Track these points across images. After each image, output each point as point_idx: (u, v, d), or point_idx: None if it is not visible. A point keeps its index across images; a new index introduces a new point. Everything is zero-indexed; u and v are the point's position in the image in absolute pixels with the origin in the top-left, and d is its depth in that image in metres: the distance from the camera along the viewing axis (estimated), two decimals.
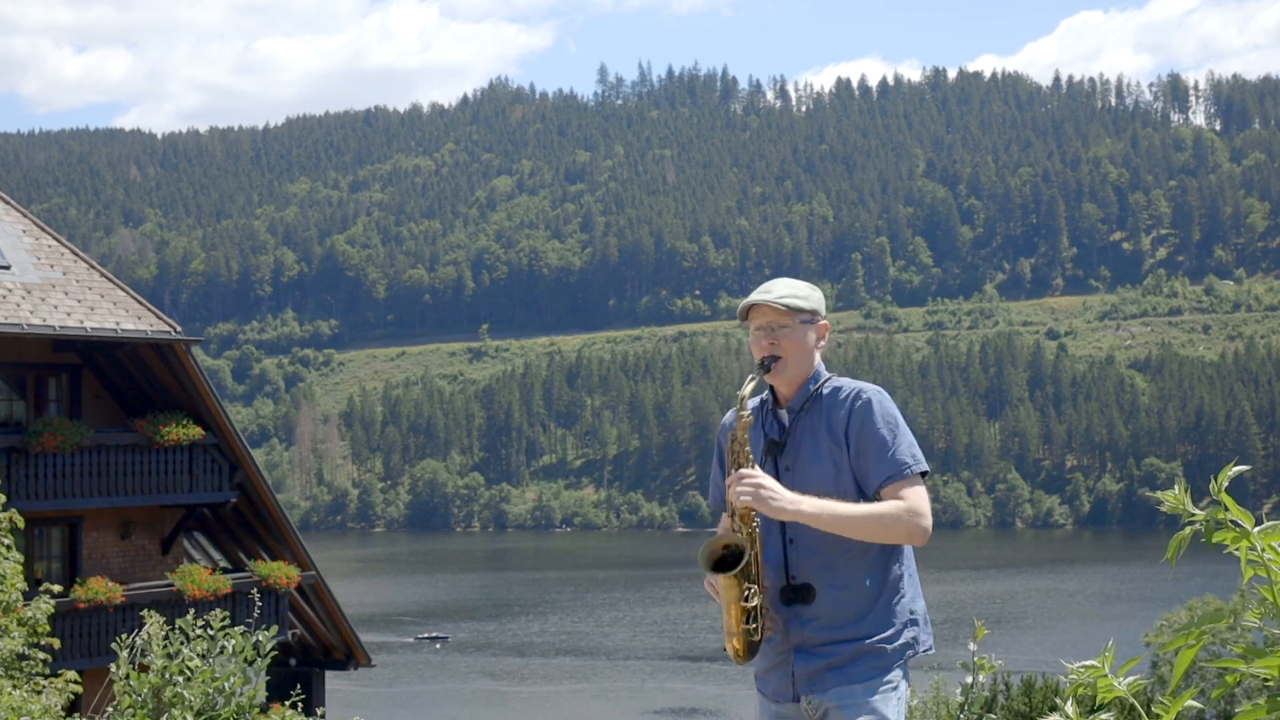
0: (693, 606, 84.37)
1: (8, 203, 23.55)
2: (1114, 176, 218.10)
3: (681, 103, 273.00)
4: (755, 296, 4.23)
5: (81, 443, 21.87)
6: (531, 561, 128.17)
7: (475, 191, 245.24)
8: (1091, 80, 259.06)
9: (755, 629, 4.11)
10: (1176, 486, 2.59)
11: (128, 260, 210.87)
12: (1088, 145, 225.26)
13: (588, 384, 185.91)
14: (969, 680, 5.88)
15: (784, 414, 4.27)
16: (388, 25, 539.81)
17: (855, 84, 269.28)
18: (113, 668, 6.74)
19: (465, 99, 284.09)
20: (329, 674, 27.66)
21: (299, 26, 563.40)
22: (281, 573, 24.23)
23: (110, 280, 22.99)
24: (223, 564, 25.64)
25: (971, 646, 5.64)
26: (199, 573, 23.23)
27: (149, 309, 22.82)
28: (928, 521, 4.09)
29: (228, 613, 7.04)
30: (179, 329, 23.05)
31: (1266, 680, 2.45)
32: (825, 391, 4.24)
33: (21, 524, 11.43)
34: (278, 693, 13.96)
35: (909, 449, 4.12)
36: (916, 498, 4.08)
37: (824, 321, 4.29)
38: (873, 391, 4.19)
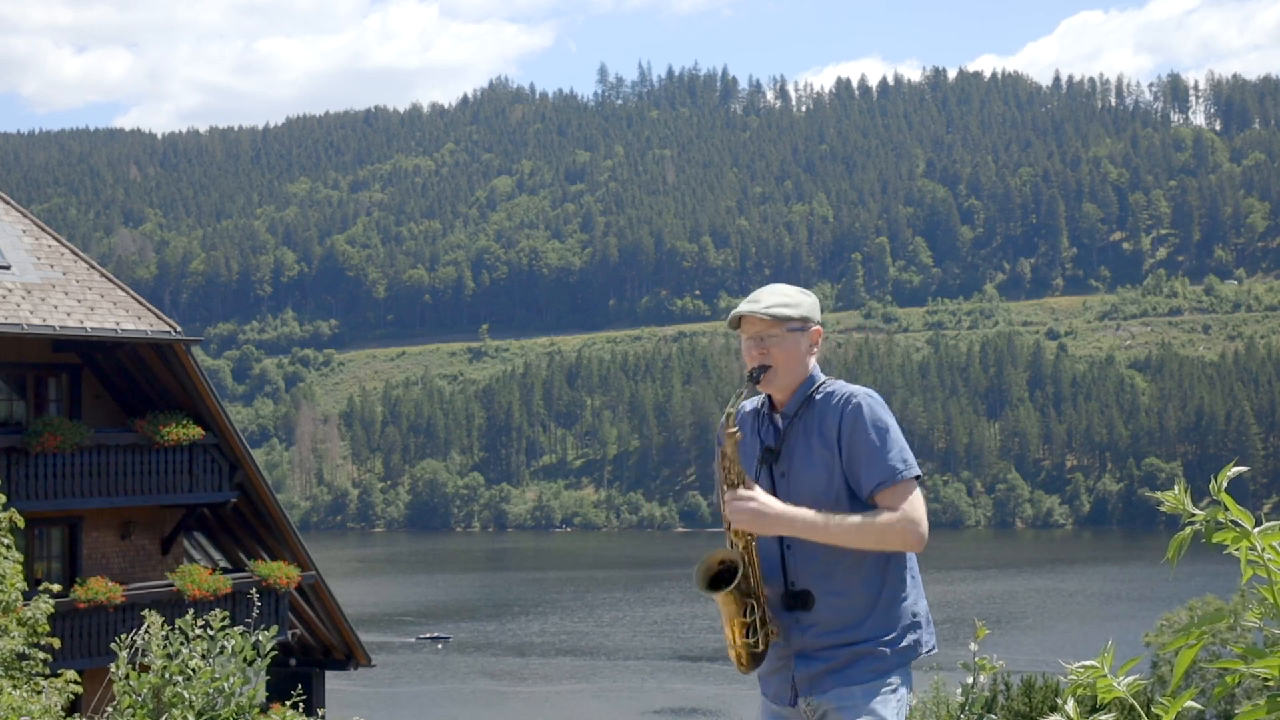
0: (693, 606, 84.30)
1: (8, 203, 23.54)
2: (1114, 176, 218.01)
3: (681, 103, 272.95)
4: (743, 307, 4.20)
5: (81, 443, 21.85)
6: (531, 561, 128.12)
7: (475, 191, 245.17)
8: (1091, 80, 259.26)
9: (756, 641, 4.12)
10: (1176, 487, 2.59)
11: (128, 260, 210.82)
12: (1088, 145, 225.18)
13: (588, 384, 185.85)
14: (969, 680, 5.87)
15: (779, 420, 4.25)
16: (388, 25, 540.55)
17: (855, 84, 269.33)
18: (113, 668, 6.75)
19: (465, 99, 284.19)
20: (329, 674, 27.64)
21: (299, 26, 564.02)
22: (281, 573, 24.22)
23: (110, 280, 22.98)
24: (223, 564, 25.63)
25: (972, 647, 5.63)
26: (199, 573, 23.21)
27: (149, 309, 22.81)
28: (924, 528, 4.06)
29: (228, 613, 7.05)
30: (179, 329, 23.03)
31: (1266, 680, 2.45)
32: (819, 396, 4.21)
33: (21, 524, 11.42)
34: (278, 693, 13.97)
35: (900, 454, 4.08)
36: (910, 504, 4.05)
37: (816, 327, 4.24)
38: (863, 396, 4.15)
